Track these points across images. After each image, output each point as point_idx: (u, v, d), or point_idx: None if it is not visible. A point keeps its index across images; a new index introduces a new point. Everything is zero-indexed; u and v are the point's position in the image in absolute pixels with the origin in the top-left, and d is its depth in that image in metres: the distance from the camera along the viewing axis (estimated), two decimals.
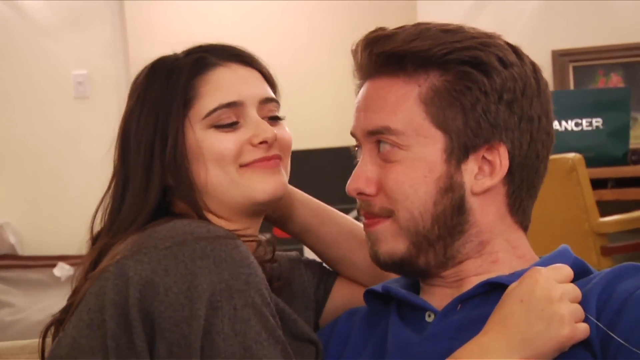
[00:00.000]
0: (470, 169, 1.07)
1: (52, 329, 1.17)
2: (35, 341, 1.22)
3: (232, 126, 1.17)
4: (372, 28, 1.11)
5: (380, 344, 1.13)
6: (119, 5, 4.48)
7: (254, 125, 1.17)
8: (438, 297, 1.11)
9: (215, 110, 1.16)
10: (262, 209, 1.21)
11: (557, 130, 3.44)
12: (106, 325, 1.04)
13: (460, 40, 1.07)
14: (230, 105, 1.17)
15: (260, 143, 1.17)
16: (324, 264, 1.36)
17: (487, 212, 1.08)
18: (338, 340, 1.20)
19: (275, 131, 1.18)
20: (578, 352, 0.98)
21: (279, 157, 1.19)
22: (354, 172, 1.11)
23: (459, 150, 1.06)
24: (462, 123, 1.06)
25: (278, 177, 1.18)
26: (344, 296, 1.32)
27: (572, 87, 3.93)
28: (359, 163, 1.12)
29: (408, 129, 1.06)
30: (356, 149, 1.14)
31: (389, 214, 1.09)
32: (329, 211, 1.32)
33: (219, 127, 1.16)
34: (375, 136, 1.09)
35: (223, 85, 1.18)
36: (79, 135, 4.42)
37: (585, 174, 2.83)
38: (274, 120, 1.22)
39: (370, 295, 1.19)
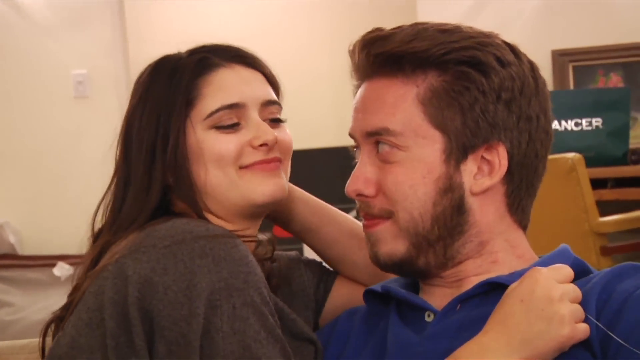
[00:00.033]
0: (469, 169, 1.07)
1: (52, 327, 1.17)
2: (35, 340, 1.22)
3: (233, 127, 1.17)
4: (372, 28, 1.11)
5: (380, 344, 1.13)
6: (119, 5, 4.48)
7: (255, 127, 1.17)
8: (437, 297, 1.11)
9: (217, 111, 1.16)
10: (260, 211, 1.21)
11: (556, 130, 3.46)
12: (105, 324, 1.05)
13: (458, 40, 1.06)
14: (232, 106, 1.17)
15: (261, 145, 1.17)
16: (324, 264, 1.36)
17: (487, 212, 1.08)
18: (338, 340, 1.20)
19: (276, 134, 1.18)
20: (578, 352, 0.98)
21: (279, 160, 1.19)
22: (352, 173, 1.11)
23: (458, 150, 1.06)
24: (461, 123, 1.05)
25: (277, 180, 1.19)
26: (343, 296, 1.32)
27: (571, 87, 3.93)
28: (357, 164, 1.12)
29: (407, 129, 1.06)
30: (355, 149, 1.14)
31: (388, 215, 1.09)
32: (329, 210, 1.32)
33: (220, 128, 1.17)
34: (374, 137, 1.09)
35: (225, 86, 1.18)
36: (79, 134, 4.42)
37: (585, 173, 2.83)
38: (276, 122, 1.22)
39: (369, 295, 1.19)
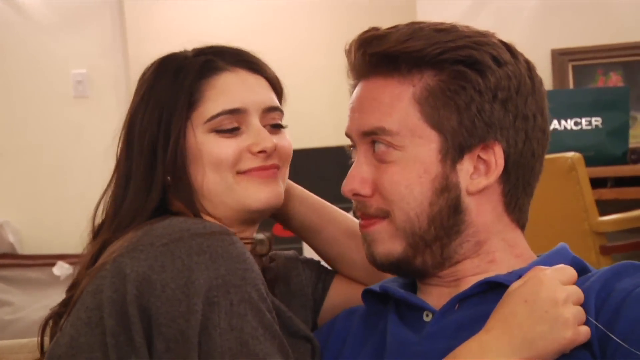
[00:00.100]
0: (465, 169, 1.07)
1: (51, 323, 1.18)
2: (35, 340, 1.22)
3: (233, 132, 1.17)
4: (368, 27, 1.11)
5: (379, 344, 1.13)
6: (119, 5, 4.48)
7: (255, 133, 1.18)
8: (435, 296, 1.11)
9: (218, 115, 1.17)
10: (255, 217, 1.21)
11: (556, 129, 3.46)
12: (104, 322, 1.05)
13: (454, 40, 1.06)
14: (233, 111, 1.17)
15: (260, 152, 1.17)
16: (322, 263, 1.37)
17: (484, 211, 1.08)
18: (336, 340, 1.20)
19: (275, 140, 1.19)
20: (577, 352, 0.97)
21: (276, 167, 1.20)
22: (349, 173, 1.11)
23: (454, 150, 1.06)
24: (457, 123, 1.05)
25: (274, 187, 1.19)
26: (341, 295, 1.32)
27: (571, 86, 3.93)
28: (353, 164, 1.12)
29: (403, 129, 1.06)
30: (351, 149, 1.14)
31: (385, 215, 1.09)
32: (329, 208, 1.33)
33: (219, 131, 1.17)
34: (370, 137, 1.09)
35: (228, 91, 1.18)
36: (78, 134, 4.42)
37: (584, 173, 2.83)
38: (276, 128, 1.22)
39: (368, 294, 1.19)
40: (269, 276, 1.24)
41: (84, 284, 1.10)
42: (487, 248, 1.09)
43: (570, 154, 2.83)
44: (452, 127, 1.05)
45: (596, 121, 3.52)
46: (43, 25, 4.43)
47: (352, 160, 1.13)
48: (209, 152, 1.17)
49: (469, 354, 0.97)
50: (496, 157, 1.07)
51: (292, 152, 1.24)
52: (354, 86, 1.13)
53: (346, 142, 1.15)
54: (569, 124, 3.54)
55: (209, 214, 1.17)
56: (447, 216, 1.07)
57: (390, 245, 1.09)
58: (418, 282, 1.15)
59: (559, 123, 3.53)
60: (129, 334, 1.04)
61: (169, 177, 1.17)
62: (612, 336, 0.95)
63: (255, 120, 1.19)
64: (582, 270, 1.07)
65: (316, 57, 5.34)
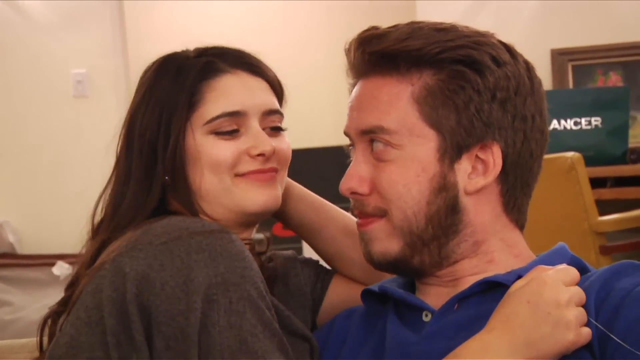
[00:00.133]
0: (463, 169, 1.07)
1: (49, 322, 1.18)
2: (35, 339, 1.22)
3: (232, 134, 1.18)
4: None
5: (379, 344, 1.13)
6: (118, 5, 4.48)
7: (254, 136, 1.18)
8: (434, 296, 1.11)
9: (217, 117, 1.17)
10: (253, 220, 1.21)
11: (556, 129, 3.46)
12: (105, 321, 1.05)
13: (453, 39, 1.06)
14: (233, 114, 1.18)
15: (258, 155, 1.17)
16: (321, 262, 1.37)
17: (482, 211, 1.08)
18: (336, 340, 1.20)
19: (274, 143, 1.19)
20: (577, 352, 0.97)
21: (275, 170, 1.20)
22: (347, 171, 1.11)
23: (452, 149, 1.06)
24: (456, 122, 1.05)
25: (271, 190, 1.19)
26: (340, 294, 1.32)
27: (571, 86, 3.94)
28: (352, 162, 1.12)
29: (401, 128, 1.06)
30: (350, 148, 1.14)
31: (382, 214, 1.09)
32: (327, 207, 1.33)
33: (219, 133, 1.17)
34: (369, 135, 1.09)
35: (229, 93, 1.19)
36: (78, 134, 4.42)
37: (584, 173, 2.83)
38: (276, 130, 1.22)
39: (367, 295, 1.19)
40: (268, 275, 1.24)
41: (84, 284, 1.10)
42: (485, 248, 1.09)
43: (570, 154, 2.83)
44: (450, 126, 1.05)
45: (596, 121, 3.52)
46: (43, 25, 4.43)
47: (351, 159, 1.13)
48: (208, 153, 1.17)
49: (470, 354, 0.96)
50: (494, 157, 1.07)
51: (291, 155, 1.24)
52: (354, 85, 1.13)
53: (345, 141, 1.15)
54: (569, 123, 3.54)
55: (206, 215, 1.18)
56: (445, 215, 1.07)
57: (388, 244, 1.09)
58: (417, 282, 1.15)
59: (559, 123, 3.53)
60: (130, 332, 1.04)
61: (167, 178, 1.17)
62: (612, 336, 0.95)
63: (254, 123, 1.19)
64: (581, 270, 1.07)
65: (316, 57, 5.34)
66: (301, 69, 5.10)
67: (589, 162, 2.96)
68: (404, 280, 1.17)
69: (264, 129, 1.20)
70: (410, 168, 1.06)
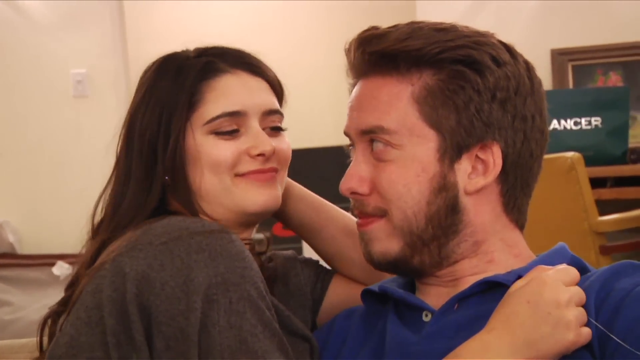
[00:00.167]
0: (463, 169, 1.07)
1: (49, 322, 1.18)
2: (35, 339, 1.22)
3: (232, 134, 1.18)
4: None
5: (379, 344, 1.13)
6: (118, 5, 4.48)
7: (254, 136, 1.18)
8: (434, 296, 1.11)
9: (217, 117, 1.17)
10: (252, 220, 1.21)
11: (556, 129, 3.46)
12: (105, 321, 1.05)
13: (453, 39, 1.06)
14: (233, 114, 1.18)
15: (258, 155, 1.17)
16: (321, 262, 1.37)
17: (482, 211, 1.08)
18: (336, 340, 1.20)
19: (274, 143, 1.19)
20: (577, 352, 0.97)
21: (275, 170, 1.20)
22: (347, 171, 1.11)
23: (452, 149, 1.06)
24: (456, 122, 1.05)
25: (271, 190, 1.19)
26: (340, 294, 1.32)
27: (571, 86, 3.93)
28: (352, 162, 1.12)
29: (401, 128, 1.06)
30: (350, 148, 1.14)
31: (382, 214, 1.08)
32: (327, 207, 1.33)
33: (218, 133, 1.17)
34: (369, 135, 1.09)
35: (229, 93, 1.19)
36: (78, 134, 4.42)
37: (584, 173, 2.83)
38: (276, 130, 1.22)
39: (367, 295, 1.19)
40: (268, 275, 1.24)
41: (83, 284, 1.10)
42: (485, 248, 1.09)
43: (570, 154, 2.83)
44: (450, 126, 1.05)
45: (596, 121, 3.52)
46: (43, 25, 4.43)
47: (351, 159, 1.13)
48: (208, 153, 1.17)
49: (470, 354, 0.96)
50: (494, 157, 1.07)
51: (291, 155, 1.24)
52: (354, 85, 1.13)
53: (345, 141, 1.16)
54: (569, 123, 3.54)
55: (206, 215, 1.18)
56: (445, 215, 1.07)
57: (388, 244, 1.09)
58: (417, 282, 1.15)
59: (559, 123, 3.53)
60: (130, 332, 1.04)
61: (167, 178, 1.17)
62: (612, 336, 0.95)
63: (254, 123, 1.19)
64: (581, 270, 1.07)
65: (316, 57, 5.34)
66: (301, 69, 5.10)
67: (589, 162, 2.96)
68: (404, 280, 1.17)
69: (263, 129, 1.20)
70: (410, 168, 1.06)
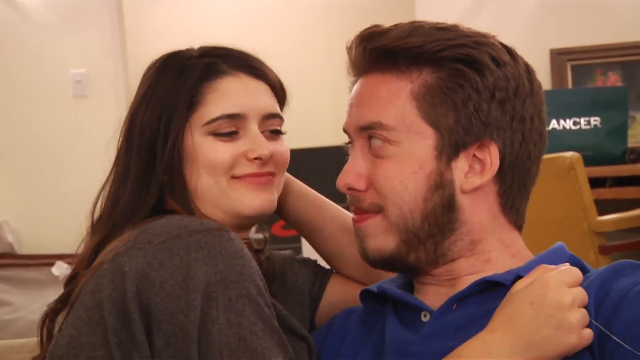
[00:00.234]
0: (460, 167, 1.07)
1: (47, 321, 1.18)
2: (34, 339, 1.22)
3: (231, 135, 1.18)
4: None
5: (378, 344, 1.13)
6: (118, 5, 4.48)
7: (252, 139, 1.18)
8: (432, 296, 1.11)
9: (217, 119, 1.17)
10: (246, 223, 1.22)
11: (555, 129, 3.46)
12: (105, 321, 1.05)
13: (454, 38, 1.07)
14: (232, 116, 1.18)
15: (255, 159, 1.18)
16: (319, 262, 1.37)
17: (478, 210, 1.08)
18: (335, 340, 1.20)
19: (273, 146, 1.19)
20: (577, 353, 0.97)
21: (271, 174, 1.20)
22: (344, 167, 1.11)
23: (450, 147, 1.06)
24: (454, 120, 1.05)
25: (267, 194, 1.19)
26: (338, 294, 1.32)
27: (570, 85, 3.94)
28: (349, 159, 1.12)
29: (399, 124, 1.06)
30: (348, 145, 1.14)
31: (378, 210, 1.09)
32: (326, 204, 1.33)
33: (217, 135, 1.17)
34: (367, 131, 1.09)
35: (229, 95, 1.19)
36: (77, 133, 4.42)
37: (583, 172, 2.83)
38: (275, 134, 1.22)
39: (366, 295, 1.19)
40: (265, 274, 1.24)
41: (82, 284, 1.10)
42: (482, 247, 1.09)
43: (569, 154, 2.83)
44: (448, 124, 1.06)
45: (595, 121, 3.52)
46: (42, 25, 4.43)
47: (349, 156, 1.13)
48: (205, 154, 1.17)
49: (471, 354, 0.96)
50: (491, 156, 1.07)
51: (289, 159, 1.24)
52: (354, 83, 1.13)
53: (344, 141, 1.16)
54: (568, 123, 3.54)
55: (203, 216, 1.18)
56: (441, 213, 1.07)
57: (384, 240, 1.09)
58: (415, 282, 1.15)
59: (558, 123, 3.53)
60: (130, 331, 1.04)
61: (165, 177, 1.18)
62: (611, 335, 0.95)
63: (253, 126, 1.19)
64: (580, 269, 1.07)
65: (315, 57, 5.35)
66: (300, 69, 5.10)
67: (588, 161, 2.96)
68: (403, 280, 1.17)
69: (263, 132, 1.20)
70: (407, 164, 1.06)
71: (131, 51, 4.54)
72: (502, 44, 1.10)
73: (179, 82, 1.18)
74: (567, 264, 1.03)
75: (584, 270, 1.07)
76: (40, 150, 4.47)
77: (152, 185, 1.17)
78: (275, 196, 1.22)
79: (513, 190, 1.09)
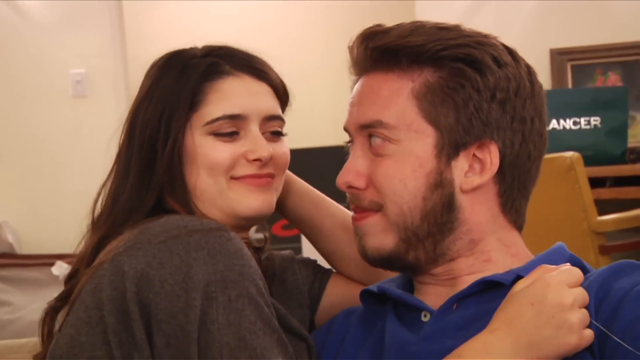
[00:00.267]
0: (460, 166, 1.07)
1: (47, 319, 1.18)
2: (34, 339, 1.23)
3: (231, 135, 1.18)
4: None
5: (378, 344, 1.13)
6: (117, 5, 4.48)
7: (253, 140, 1.18)
8: (432, 296, 1.11)
9: (217, 119, 1.17)
10: (244, 224, 1.22)
11: (555, 129, 3.46)
12: (105, 320, 1.05)
13: (455, 38, 1.07)
14: (233, 117, 1.18)
15: (255, 160, 1.18)
16: (319, 262, 1.37)
17: (478, 210, 1.08)
18: (334, 340, 1.20)
19: (273, 148, 1.19)
20: (577, 353, 0.97)
21: (271, 176, 1.20)
22: (344, 165, 1.12)
23: (450, 146, 1.06)
24: (454, 120, 1.06)
25: (266, 196, 1.19)
26: (338, 294, 1.32)
27: (570, 85, 3.94)
28: (350, 157, 1.12)
29: (400, 123, 1.06)
30: (349, 145, 1.14)
31: (378, 208, 1.09)
32: (327, 203, 1.33)
33: (218, 135, 1.17)
34: (367, 130, 1.09)
35: (231, 96, 1.19)
36: (77, 133, 4.42)
37: (583, 172, 2.83)
38: (276, 135, 1.22)
39: (366, 295, 1.19)
40: (265, 274, 1.24)
41: (82, 283, 1.10)
42: (482, 247, 1.09)
43: (569, 154, 2.83)
44: (449, 123, 1.06)
45: (595, 121, 3.52)
46: (42, 25, 4.43)
47: (349, 155, 1.13)
48: (205, 154, 1.17)
49: (472, 354, 0.96)
50: (491, 156, 1.07)
51: (288, 161, 1.24)
52: (355, 82, 1.13)
53: (344, 140, 1.16)
54: (568, 123, 3.54)
55: (202, 215, 1.17)
56: (441, 212, 1.07)
57: (383, 238, 1.09)
58: (415, 282, 1.15)
59: (558, 122, 3.53)
60: (131, 331, 1.04)
61: (165, 176, 1.18)
62: (611, 335, 0.95)
63: (254, 128, 1.19)
64: (580, 269, 1.07)
65: (315, 57, 5.35)
66: (300, 69, 5.10)
67: (588, 161, 2.96)
68: (403, 280, 1.17)
69: (263, 134, 1.20)
70: (407, 163, 1.06)
71: (131, 51, 4.54)
72: (503, 44, 1.10)
73: (181, 81, 1.19)
74: (568, 264, 1.03)
75: (584, 270, 1.07)
76: (40, 150, 4.47)
77: (152, 184, 1.17)
78: (274, 198, 1.22)
79: (513, 190, 1.09)
